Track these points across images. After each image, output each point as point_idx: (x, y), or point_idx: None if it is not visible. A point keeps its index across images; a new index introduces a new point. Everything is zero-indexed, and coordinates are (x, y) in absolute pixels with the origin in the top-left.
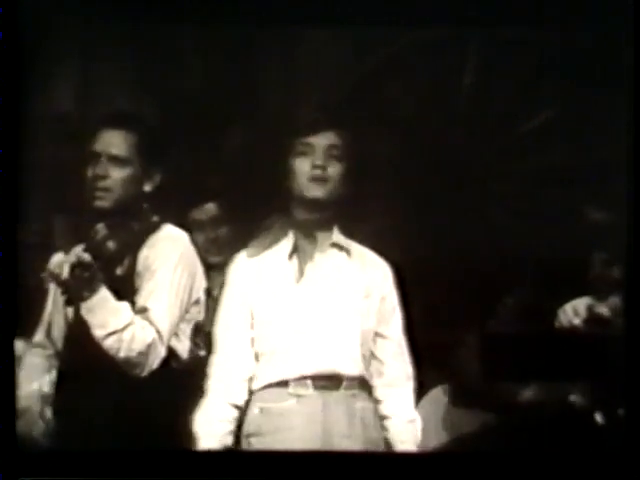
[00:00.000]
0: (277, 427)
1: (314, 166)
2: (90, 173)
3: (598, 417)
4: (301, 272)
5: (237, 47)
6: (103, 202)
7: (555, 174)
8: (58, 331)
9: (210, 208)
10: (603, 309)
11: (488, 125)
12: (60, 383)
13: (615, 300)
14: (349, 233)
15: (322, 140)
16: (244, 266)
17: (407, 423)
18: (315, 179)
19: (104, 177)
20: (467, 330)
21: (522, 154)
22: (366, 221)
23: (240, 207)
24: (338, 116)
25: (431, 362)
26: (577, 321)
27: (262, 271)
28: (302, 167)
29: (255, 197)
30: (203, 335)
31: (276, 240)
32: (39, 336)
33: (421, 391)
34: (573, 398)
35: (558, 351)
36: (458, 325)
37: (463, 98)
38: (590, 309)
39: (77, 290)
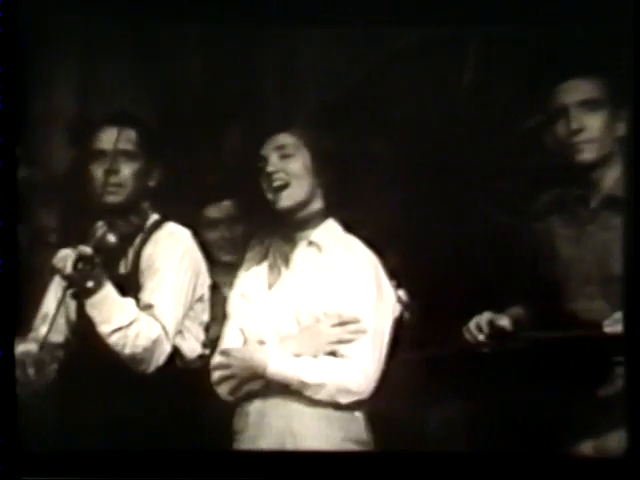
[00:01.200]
0: (241, 426)
1: (269, 174)
2: (99, 170)
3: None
4: (273, 277)
5: (237, 47)
6: (115, 197)
7: (555, 173)
8: (58, 327)
9: (215, 208)
10: (504, 322)
11: (488, 125)
12: (60, 381)
13: (516, 310)
14: (346, 228)
15: (271, 147)
16: (239, 283)
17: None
18: (276, 187)
19: (116, 172)
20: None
21: (522, 153)
22: (361, 220)
23: (239, 207)
24: (288, 117)
25: (429, 356)
26: (481, 337)
27: (245, 280)
28: (264, 181)
29: (251, 198)
30: (211, 333)
31: (266, 254)
32: (36, 331)
33: (420, 385)
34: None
35: (557, 351)
36: (456, 322)
37: (463, 98)
38: (491, 323)
39: (81, 285)
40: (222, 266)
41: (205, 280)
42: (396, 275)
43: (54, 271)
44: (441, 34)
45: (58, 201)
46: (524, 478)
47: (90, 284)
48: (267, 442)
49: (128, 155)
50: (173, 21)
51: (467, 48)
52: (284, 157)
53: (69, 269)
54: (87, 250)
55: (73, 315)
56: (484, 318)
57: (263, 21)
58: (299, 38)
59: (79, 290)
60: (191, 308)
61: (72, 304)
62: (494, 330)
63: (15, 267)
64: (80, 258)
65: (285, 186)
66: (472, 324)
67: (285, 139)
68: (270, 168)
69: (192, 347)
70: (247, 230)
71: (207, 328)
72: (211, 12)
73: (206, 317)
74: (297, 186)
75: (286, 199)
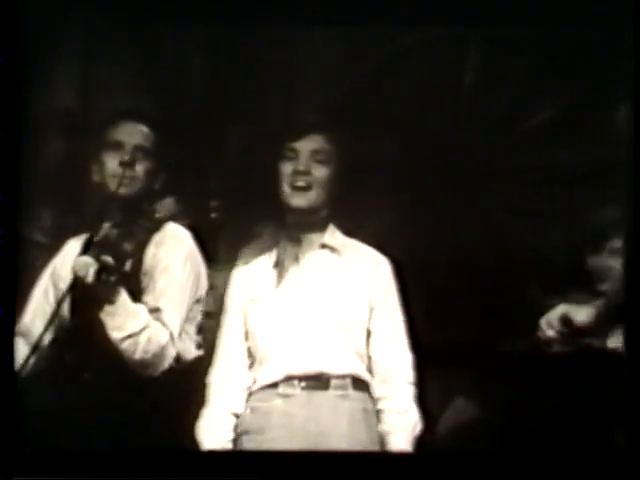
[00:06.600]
0: (263, 426)
1: (296, 172)
2: (113, 161)
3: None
4: (282, 277)
5: (237, 47)
6: (127, 189)
7: (555, 173)
8: (51, 326)
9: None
10: (578, 316)
11: (488, 124)
12: (57, 381)
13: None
14: (347, 232)
15: (307, 145)
16: (238, 278)
17: (399, 414)
18: (297, 187)
19: (132, 165)
20: (467, 329)
21: (522, 153)
22: (364, 222)
23: (240, 208)
24: (329, 118)
25: (431, 359)
26: (551, 333)
27: (251, 280)
28: (286, 172)
29: (252, 200)
30: (204, 334)
31: (268, 248)
32: (24, 325)
33: (422, 387)
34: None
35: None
36: (458, 324)
37: (463, 98)
38: (563, 319)
39: (103, 296)
40: (220, 267)
41: (204, 282)
42: (397, 277)
43: (76, 281)
44: (441, 34)
45: (58, 199)
46: (524, 478)
47: (112, 295)
48: (293, 443)
49: (145, 151)
50: (174, 21)
51: (468, 48)
52: (317, 161)
53: (91, 278)
54: (110, 260)
55: (66, 313)
56: (556, 314)
57: (263, 21)
58: (299, 38)
59: (100, 299)
60: (190, 310)
61: (65, 303)
62: (565, 324)
63: (15, 267)
64: (103, 268)
65: (307, 188)
66: (543, 321)
67: (323, 144)
68: (301, 167)
69: (189, 348)
70: (247, 228)
71: (202, 329)
72: (211, 12)
73: (201, 318)
74: (317, 192)
75: (303, 199)
